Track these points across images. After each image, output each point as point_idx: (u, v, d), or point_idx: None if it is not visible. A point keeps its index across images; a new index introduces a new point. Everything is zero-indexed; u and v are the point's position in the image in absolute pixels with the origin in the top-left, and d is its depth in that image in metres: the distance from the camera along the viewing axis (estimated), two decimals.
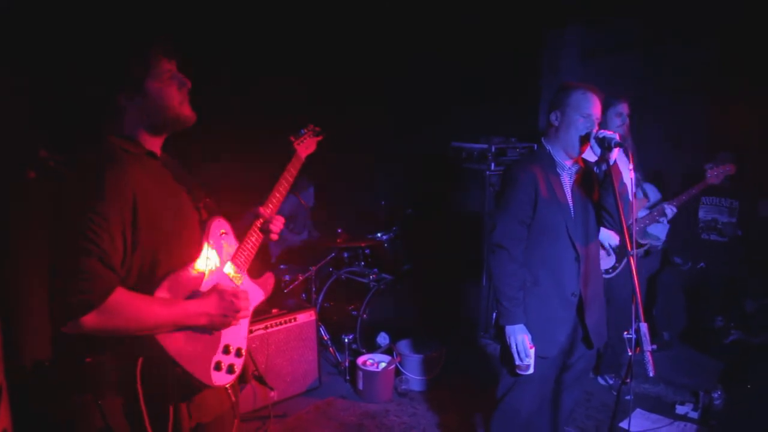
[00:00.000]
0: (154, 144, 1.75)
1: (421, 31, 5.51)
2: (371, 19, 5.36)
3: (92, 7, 3.28)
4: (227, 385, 1.80)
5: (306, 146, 2.32)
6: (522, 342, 2.58)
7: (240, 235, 1.95)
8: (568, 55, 5.58)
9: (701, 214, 4.86)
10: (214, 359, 1.72)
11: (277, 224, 2.06)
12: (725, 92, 5.00)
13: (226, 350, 1.78)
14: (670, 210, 3.90)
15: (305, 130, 2.35)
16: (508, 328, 2.61)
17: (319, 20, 5.17)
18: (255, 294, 1.98)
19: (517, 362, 2.61)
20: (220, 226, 1.84)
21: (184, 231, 1.71)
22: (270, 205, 2.06)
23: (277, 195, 2.10)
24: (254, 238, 1.98)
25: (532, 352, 2.59)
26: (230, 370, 1.77)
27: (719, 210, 4.80)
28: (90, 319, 1.46)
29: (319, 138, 2.40)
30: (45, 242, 2.95)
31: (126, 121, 1.68)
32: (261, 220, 2.01)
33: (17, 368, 2.81)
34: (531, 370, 2.62)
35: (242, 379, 1.91)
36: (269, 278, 2.07)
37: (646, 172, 4.38)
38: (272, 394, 3.80)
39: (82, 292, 1.44)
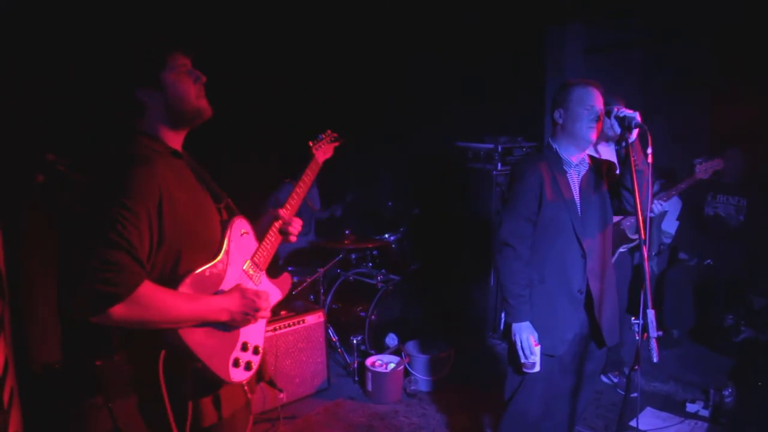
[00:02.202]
0: (176, 142, 1.79)
1: (425, 31, 5.51)
2: (374, 20, 5.36)
3: (109, 7, 3.32)
4: (244, 382, 1.83)
5: (324, 151, 2.37)
6: (527, 339, 2.58)
7: (259, 236, 1.99)
8: (570, 53, 5.57)
9: (708, 211, 4.84)
10: (233, 356, 1.76)
11: (296, 226, 2.11)
12: (728, 90, 4.99)
13: (245, 347, 1.81)
14: (657, 205, 3.76)
15: (323, 135, 2.40)
16: (514, 326, 2.62)
17: (321, 21, 5.18)
18: (273, 294, 2.02)
19: (523, 360, 2.62)
20: (241, 226, 1.88)
21: (206, 230, 1.74)
22: (289, 208, 2.10)
23: (296, 198, 2.16)
24: (273, 239, 2.02)
25: (537, 350, 2.59)
26: (248, 366, 1.81)
27: (726, 207, 4.76)
28: (118, 311, 1.48)
29: (337, 144, 2.45)
30: (54, 246, 2.98)
31: (148, 119, 1.72)
32: (280, 222, 2.06)
33: (27, 371, 2.83)
34: (537, 368, 2.62)
35: (259, 377, 1.94)
36: (287, 279, 2.12)
37: (655, 170, 4.34)
38: (281, 395, 3.81)
39: (112, 284, 1.47)
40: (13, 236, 2.90)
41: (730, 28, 4.84)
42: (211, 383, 1.71)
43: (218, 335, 1.72)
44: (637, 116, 2.40)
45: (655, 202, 3.77)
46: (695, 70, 5.25)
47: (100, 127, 1.91)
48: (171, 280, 1.62)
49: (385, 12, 5.29)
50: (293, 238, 2.12)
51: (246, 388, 1.89)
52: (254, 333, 1.87)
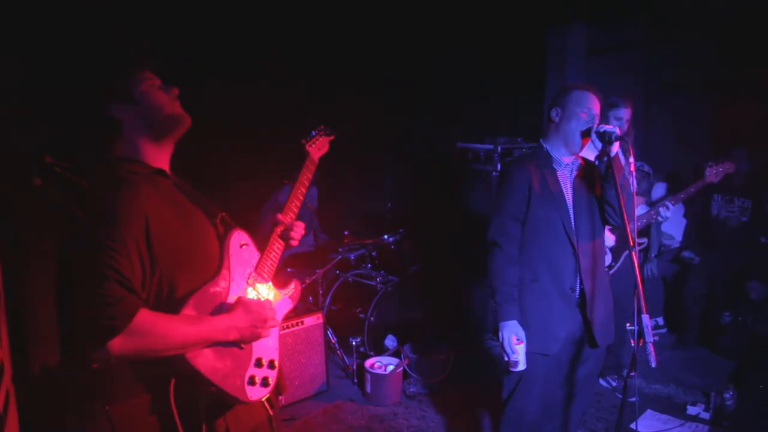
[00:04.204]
0: (161, 159, 1.73)
1: (426, 31, 5.50)
2: (375, 21, 5.36)
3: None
4: (263, 399, 1.76)
5: (318, 147, 2.27)
6: (509, 338, 2.60)
7: (261, 245, 1.91)
8: (572, 53, 5.57)
9: (713, 210, 4.83)
10: (248, 374, 1.68)
11: (298, 230, 2.03)
12: (730, 91, 4.99)
13: (259, 363, 1.73)
14: (663, 209, 3.78)
15: (315, 131, 2.29)
16: (501, 324, 2.63)
17: (323, 21, 5.18)
18: (283, 303, 1.94)
19: (506, 358, 2.64)
20: (239, 238, 1.80)
21: (201, 247, 1.68)
22: (289, 212, 2.02)
23: (296, 201, 2.07)
24: (276, 246, 1.94)
25: (520, 348, 2.60)
26: (264, 383, 1.73)
27: (730, 208, 4.75)
28: (117, 344, 1.42)
29: (332, 137, 2.34)
30: (52, 249, 2.96)
31: (127, 136, 1.67)
32: (281, 227, 1.98)
33: (25, 374, 2.81)
34: (522, 367, 2.62)
35: (278, 390, 1.86)
36: (296, 287, 2.03)
37: (657, 171, 4.34)
38: (280, 397, 3.78)
39: (106, 317, 1.41)
40: (11, 239, 2.89)
41: (731, 28, 4.84)
42: (228, 404, 1.64)
43: (230, 354, 1.65)
44: (617, 130, 2.46)
45: (665, 205, 3.80)
46: (697, 70, 5.25)
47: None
48: (171, 303, 1.56)
49: (386, 13, 5.28)
50: (295, 243, 2.03)
51: (266, 405, 1.81)
52: (267, 347, 1.79)
